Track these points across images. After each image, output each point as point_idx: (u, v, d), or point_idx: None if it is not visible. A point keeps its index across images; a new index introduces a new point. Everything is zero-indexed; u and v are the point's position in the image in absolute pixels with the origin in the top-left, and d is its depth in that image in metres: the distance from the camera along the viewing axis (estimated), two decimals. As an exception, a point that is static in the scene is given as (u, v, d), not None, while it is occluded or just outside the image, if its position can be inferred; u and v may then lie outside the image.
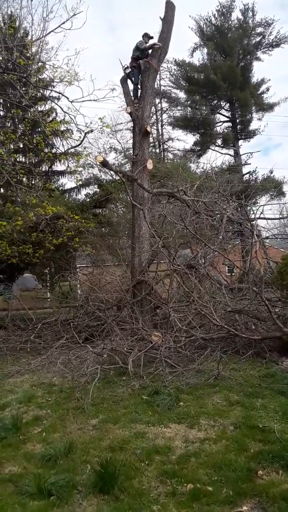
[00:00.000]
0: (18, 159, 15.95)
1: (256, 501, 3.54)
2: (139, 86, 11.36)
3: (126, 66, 11.25)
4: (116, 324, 9.51)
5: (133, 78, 11.34)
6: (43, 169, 18.69)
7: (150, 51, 11.25)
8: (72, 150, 13.08)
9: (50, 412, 5.88)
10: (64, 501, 3.70)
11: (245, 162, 30.67)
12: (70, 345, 9.35)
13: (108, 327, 9.51)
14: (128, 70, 11.21)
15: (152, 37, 11.38)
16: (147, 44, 11.22)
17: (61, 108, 11.17)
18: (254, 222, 10.76)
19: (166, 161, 27.76)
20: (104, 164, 10.38)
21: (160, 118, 32.74)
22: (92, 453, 4.50)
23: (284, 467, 3.99)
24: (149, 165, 10.83)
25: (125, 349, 7.98)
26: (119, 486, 3.83)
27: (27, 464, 4.40)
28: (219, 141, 31.32)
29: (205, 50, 30.62)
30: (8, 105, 14.65)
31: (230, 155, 31.18)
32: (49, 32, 9.20)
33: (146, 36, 11.26)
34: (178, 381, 6.72)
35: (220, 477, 3.90)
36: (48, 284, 19.62)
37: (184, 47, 41.51)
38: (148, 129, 11.08)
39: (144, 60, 11.19)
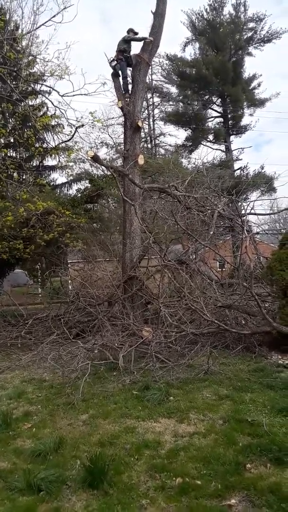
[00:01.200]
0: (8, 154, 15.85)
1: (244, 494, 3.57)
2: (128, 80, 11.27)
3: (112, 59, 11.16)
4: (107, 320, 9.51)
5: (120, 71, 11.25)
6: (34, 164, 18.57)
7: (141, 43, 11.19)
8: (63, 144, 13.02)
9: (40, 408, 5.88)
10: (53, 496, 3.70)
11: (236, 157, 30.76)
12: (60, 341, 9.34)
13: (99, 322, 9.51)
14: (114, 63, 11.11)
15: (137, 33, 11.31)
16: (136, 36, 11.15)
17: (51, 102, 11.14)
18: (244, 218, 10.81)
19: (157, 156, 27.74)
20: (95, 159, 10.35)
21: (152, 113, 32.68)
22: (81, 449, 4.51)
23: (272, 460, 4.03)
24: (141, 160, 10.80)
25: (116, 344, 7.99)
26: (108, 481, 3.84)
27: (16, 460, 4.40)
28: (210, 137, 31.35)
29: (197, 45, 30.57)
30: (-2, 99, 14.51)
31: (222, 150, 31.22)
32: (40, 26, 9.13)
33: (132, 32, 11.21)
34: (169, 376, 6.75)
35: (209, 471, 3.93)
36: (39, 279, 19.55)
37: (176, 41, 41.38)
38: (140, 124, 11.03)
39: (136, 54, 11.12)
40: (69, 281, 15.04)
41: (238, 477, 3.80)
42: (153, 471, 4.01)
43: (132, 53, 11.26)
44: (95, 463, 3.92)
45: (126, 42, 11.01)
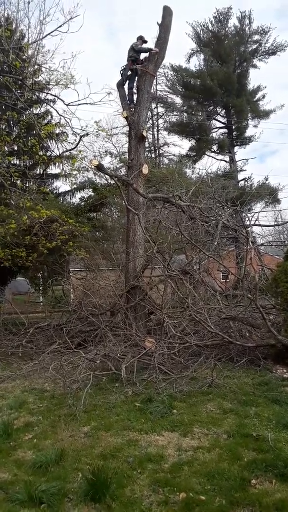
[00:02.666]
0: (12, 162, 15.88)
1: (249, 511, 3.50)
2: (134, 91, 11.34)
3: (123, 68, 11.21)
4: (109, 330, 9.45)
5: (128, 81, 11.31)
6: (38, 172, 18.65)
7: (147, 54, 11.25)
8: (67, 153, 13.07)
9: (42, 419, 5.81)
10: (54, 509, 3.63)
11: (240, 168, 30.86)
12: (62, 350, 9.27)
13: (101, 332, 9.44)
14: (129, 73, 11.15)
15: (146, 41, 11.37)
16: (143, 46, 11.21)
17: (56, 111, 11.23)
18: (249, 229, 10.78)
19: (161, 166, 27.81)
20: (99, 168, 10.37)
21: (156, 123, 32.86)
22: (83, 461, 4.44)
23: (277, 476, 3.95)
24: (145, 169, 10.81)
25: (118, 355, 7.92)
26: (110, 494, 3.77)
27: (17, 471, 4.33)
28: (214, 147, 31.45)
29: (202, 56, 30.86)
30: (3, 107, 14.61)
31: (226, 161, 31.33)
32: (46, 35, 9.20)
33: (141, 39, 11.26)
34: (172, 388, 6.68)
35: (213, 486, 3.86)
36: (41, 288, 19.49)
37: (181, 52, 41.74)
38: (144, 133, 11.06)
39: (140, 67, 11.16)
40: (71, 290, 14.99)
41: (243, 493, 3.73)
42: (156, 485, 3.94)
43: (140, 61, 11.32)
44: (97, 476, 3.85)
45: (135, 51, 11.06)
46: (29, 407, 6.36)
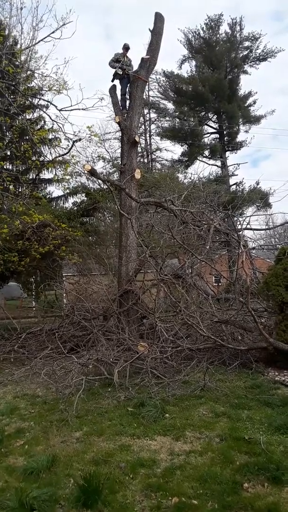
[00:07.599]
0: (5, 167, 15.85)
1: (242, 515, 3.49)
2: (127, 96, 11.40)
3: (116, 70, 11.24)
4: (102, 334, 9.43)
5: (120, 88, 11.37)
6: (30, 177, 18.60)
7: (140, 57, 11.32)
8: (60, 158, 13.08)
9: (33, 425, 5.77)
10: (46, 516, 3.60)
11: (232, 173, 30.97)
12: (54, 355, 9.23)
13: (94, 337, 9.43)
14: (120, 71, 11.12)
15: (129, 48, 11.42)
16: (118, 70, 11.26)
17: (49, 116, 11.23)
18: (240, 233, 10.84)
19: (154, 171, 27.87)
20: (92, 173, 10.38)
21: (149, 129, 32.94)
22: (75, 467, 4.41)
23: (269, 480, 3.95)
24: (137, 174, 10.84)
25: (111, 359, 7.89)
26: (102, 500, 3.75)
27: (8, 478, 4.29)
28: (206, 152, 31.57)
29: (194, 62, 31.03)
30: (-4, 112, 14.59)
31: (218, 166, 31.44)
32: (39, 41, 9.23)
33: (125, 49, 11.36)
34: (164, 392, 6.66)
35: (205, 490, 3.85)
36: (33, 293, 19.40)
37: (173, 58, 42.00)
38: (137, 139, 11.10)
39: (132, 73, 11.21)
40: (64, 295, 14.95)
41: (235, 496, 3.72)
42: (149, 490, 3.92)
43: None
44: (89, 481, 3.83)
45: (118, 61, 11.14)
46: (21, 413, 6.32)
